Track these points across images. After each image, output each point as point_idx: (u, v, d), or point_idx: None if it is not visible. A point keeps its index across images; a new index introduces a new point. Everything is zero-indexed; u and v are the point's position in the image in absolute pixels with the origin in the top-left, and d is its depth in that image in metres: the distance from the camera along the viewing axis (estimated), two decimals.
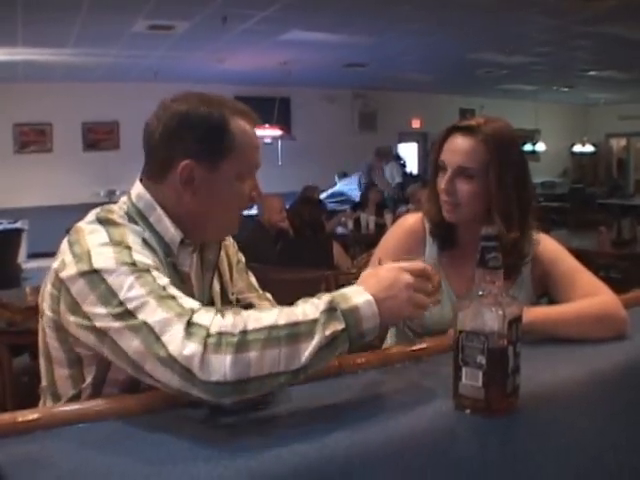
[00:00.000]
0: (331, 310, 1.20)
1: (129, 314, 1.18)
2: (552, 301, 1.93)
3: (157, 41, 7.81)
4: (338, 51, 8.88)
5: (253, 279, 1.77)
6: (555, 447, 1.12)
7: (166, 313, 1.16)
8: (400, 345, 1.92)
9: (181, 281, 1.44)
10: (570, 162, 16.95)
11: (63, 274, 1.27)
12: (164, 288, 1.22)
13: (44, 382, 1.43)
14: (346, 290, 1.27)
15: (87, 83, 10.51)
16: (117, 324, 1.19)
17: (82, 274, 1.24)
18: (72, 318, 1.27)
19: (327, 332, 1.18)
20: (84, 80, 10.38)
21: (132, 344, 1.17)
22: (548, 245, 1.94)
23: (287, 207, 5.38)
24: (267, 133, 11.36)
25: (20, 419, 1.17)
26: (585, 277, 1.85)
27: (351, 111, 13.49)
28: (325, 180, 11.13)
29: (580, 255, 1.95)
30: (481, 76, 11.26)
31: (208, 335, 1.12)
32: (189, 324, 1.14)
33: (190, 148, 1.40)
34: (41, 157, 10.66)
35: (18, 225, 8.62)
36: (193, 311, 1.17)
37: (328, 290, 1.31)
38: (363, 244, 6.76)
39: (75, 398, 1.35)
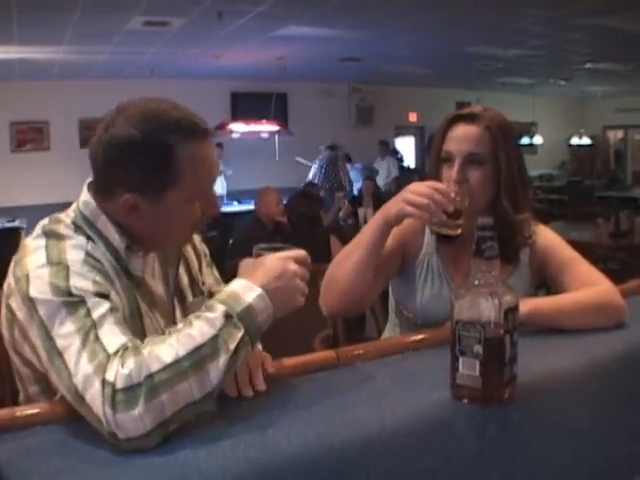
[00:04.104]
0: (228, 320, 1.18)
1: (57, 355, 1.16)
2: (550, 292, 1.93)
3: (153, 37, 7.78)
4: (334, 45, 8.86)
5: (216, 272, 1.75)
6: (552, 436, 1.13)
7: (88, 364, 1.12)
8: (397, 336, 1.93)
9: (136, 285, 1.43)
10: (568, 155, 16.95)
11: (10, 300, 1.26)
12: (94, 324, 1.17)
13: (20, 396, 1.42)
14: (235, 288, 1.24)
15: (83, 80, 10.49)
16: (49, 366, 1.17)
17: (22, 301, 1.22)
18: (23, 342, 1.27)
19: (231, 346, 1.16)
20: (80, 78, 10.36)
21: (66, 397, 1.16)
22: (546, 235, 1.95)
23: (285, 202, 5.39)
24: (264, 128, 11.35)
25: (18, 414, 1.18)
26: (583, 267, 1.86)
27: (348, 105, 13.47)
28: None
29: (578, 247, 1.95)
30: (478, 69, 11.22)
31: (115, 392, 1.07)
32: (104, 383, 1.09)
33: (130, 181, 1.34)
34: (38, 155, 10.63)
35: (16, 224, 8.62)
36: (108, 359, 1.11)
37: None
38: None
39: None
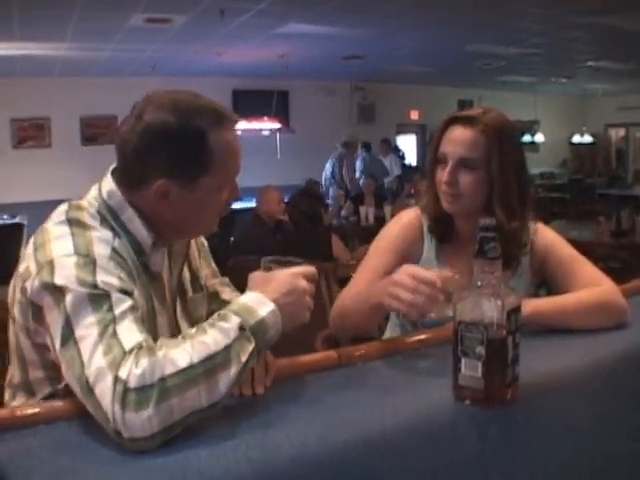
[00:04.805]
0: (241, 332, 1.19)
1: (73, 343, 1.15)
2: (550, 292, 1.93)
3: (154, 35, 7.77)
4: (336, 43, 8.85)
5: (213, 264, 1.76)
6: (554, 437, 1.13)
7: (102, 357, 1.11)
8: (399, 336, 1.93)
9: (152, 280, 1.44)
10: (569, 153, 16.93)
11: (27, 284, 1.25)
12: (114, 319, 1.17)
13: (16, 379, 1.40)
14: (248, 300, 1.25)
15: (85, 78, 10.47)
16: (62, 354, 1.17)
17: (44, 287, 1.21)
18: (39, 327, 1.26)
19: (243, 358, 1.17)
20: (82, 74, 10.34)
21: (74, 387, 1.15)
22: (545, 234, 1.94)
23: (286, 200, 5.38)
24: (265, 126, 11.33)
25: (19, 414, 1.17)
26: (584, 266, 1.86)
27: (349, 103, 13.45)
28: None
29: (579, 245, 1.95)
30: (479, 68, 11.21)
31: (126, 391, 1.07)
32: (116, 380, 1.09)
33: (165, 167, 1.35)
34: (40, 152, 10.62)
35: (17, 220, 8.60)
36: (123, 356, 1.11)
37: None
38: (362, 236, 6.75)
39: (51, 396, 1.34)
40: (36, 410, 1.20)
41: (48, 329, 1.22)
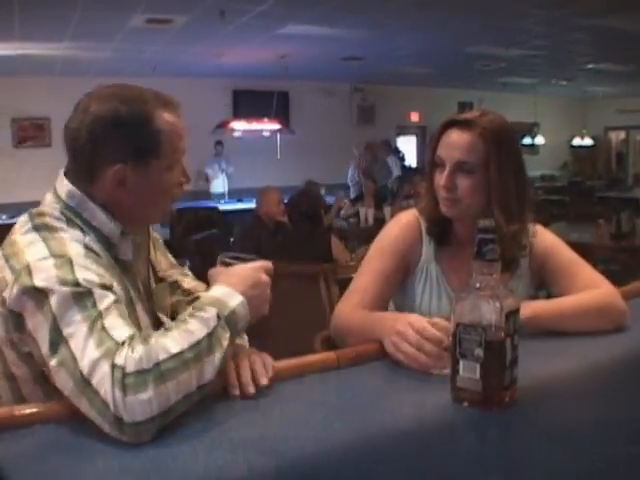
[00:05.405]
0: (219, 321, 1.23)
1: (63, 342, 1.15)
2: (550, 294, 1.93)
3: (155, 35, 7.78)
4: (336, 44, 8.86)
5: (170, 256, 1.79)
6: (553, 440, 1.12)
7: (95, 349, 1.13)
8: None
9: (124, 271, 1.45)
10: (569, 155, 16.94)
11: (5, 293, 1.23)
12: (100, 315, 1.18)
13: (8, 401, 1.35)
14: (218, 294, 1.29)
15: (85, 77, 10.37)
16: (52, 355, 1.16)
17: (24, 292, 1.20)
18: (22, 336, 1.25)
19: (224, 343, 1.22)
20: (82, 74, 10.30)
21: (67, 385, 1.15)
22: (545, 237, 1.93)
23: (285, 201, 5.38)
24: (265, 127, 11.34)
25: (17, 413, 1.17)
26: (584, 269, 1.85)
27: (349, 105, 13.46)
28: (324, 174, 11.11)
29: (579, 248, 1.94)
30: (479, 69, 11.22)
31: (125, 376, 1.10)
32: (113, 367, 1.11)
33: (118, 153, 1.38)
34: (40, 152, 10.62)
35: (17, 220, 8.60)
36: (117, 347, 1.13)
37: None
38: (362, 237, 6.75)
39: None
40: (35, 410, 1.19)
41: (32, 335, 1.21)
